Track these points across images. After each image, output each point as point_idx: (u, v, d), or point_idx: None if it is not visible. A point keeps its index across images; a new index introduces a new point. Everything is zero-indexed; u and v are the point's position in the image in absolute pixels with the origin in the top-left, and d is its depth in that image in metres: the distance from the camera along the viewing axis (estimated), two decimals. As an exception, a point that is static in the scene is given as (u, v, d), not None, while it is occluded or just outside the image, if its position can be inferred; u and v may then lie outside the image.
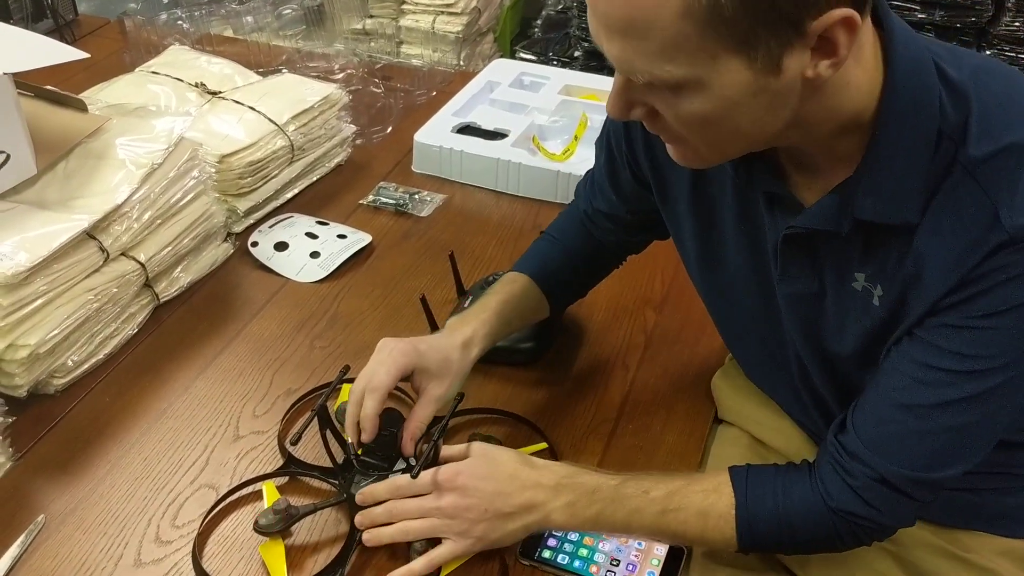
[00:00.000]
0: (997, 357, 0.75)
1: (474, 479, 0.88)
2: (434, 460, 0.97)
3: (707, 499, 0.86)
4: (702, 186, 0.92)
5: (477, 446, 0.93)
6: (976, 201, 0.72)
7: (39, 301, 1.05)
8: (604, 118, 1.53)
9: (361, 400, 0.92)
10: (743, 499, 0.85)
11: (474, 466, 0.90)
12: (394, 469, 0.96)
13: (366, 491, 0.92)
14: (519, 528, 0.89)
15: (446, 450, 0.94)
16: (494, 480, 0.88)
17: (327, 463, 0.99)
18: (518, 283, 1.08)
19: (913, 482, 0.80)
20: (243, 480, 0.99)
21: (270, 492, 0.98)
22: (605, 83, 1.67)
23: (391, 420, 0.95)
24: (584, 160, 1.48)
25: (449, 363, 0.97)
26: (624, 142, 0.99)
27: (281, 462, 1.02)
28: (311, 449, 1.03)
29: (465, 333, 0.99)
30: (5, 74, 1.08)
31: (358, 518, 0.91)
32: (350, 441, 0.95)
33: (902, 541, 0.96)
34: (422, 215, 1.43)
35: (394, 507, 0.91)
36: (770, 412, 1.07)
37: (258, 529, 0.93)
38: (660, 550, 0.93)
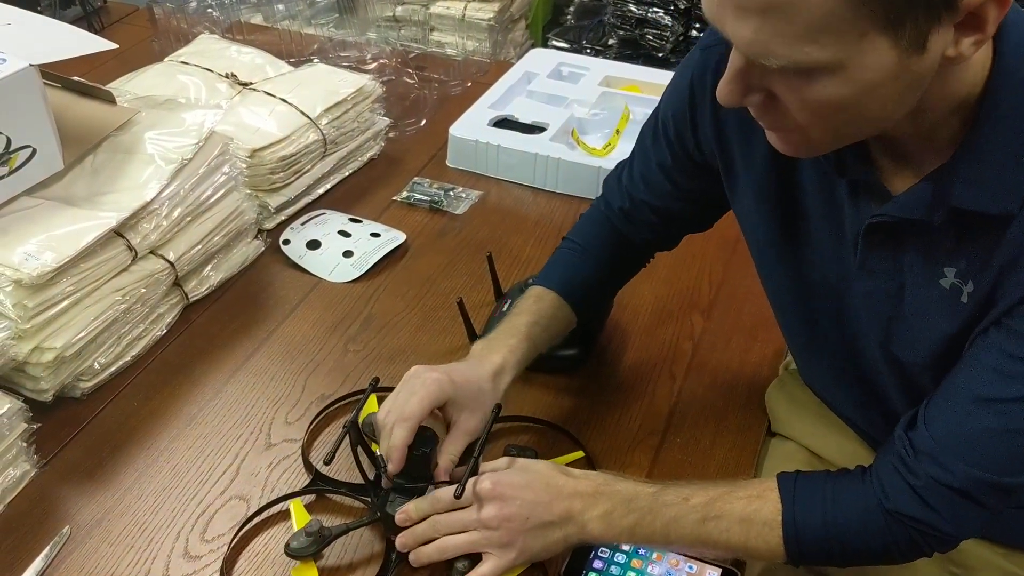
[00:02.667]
0: None
1: (513, 488, 0.85)
2: (473, 474, 0.93)
3: (751, 505, 0.81)
4: (779, 175, 0.86)
5: (511, 460, 0.89)
6: None
7: (65, 302, 1.01)
8: (646, 111, 1.50)
9: (391, 431, 0.88)
10: (790, 504, 0.80)
11: (511, 476, 0.87)
12: (429, 487, 0.91)
13: (407, 508, 0.88)
14: (559, 539, 0.85)
15: (482, 465, 0.90)
16: (532, 489, 0.85)
17: (357, 478, 0.94)
18: (546, 301, 1.03)
19: (985, 486, 0.74)
20: (274, 491, 0.95)
21: (298, 511, 0.94)
22: (647, 74, 1.62)
23: (424, 439, 0.90)
24: (626, 155, 1.42)
25: (481, 395, 0.93)
26: (689, 129, 0.93)
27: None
28: (340, 463, 0.98)
29: (495, 362, 0.95)
30: (32, 65, 1.04)
31: (400, 539, 0.87)
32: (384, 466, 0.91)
33: (964, 561, 0.91)
34: (457, 212, 1.39)
35: (436, 522, 0.87)
36: (829, 425, 1.02)
37: (290, 553, 0.88)
38: (713, 574, 0.88)
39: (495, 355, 0.96)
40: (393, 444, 0.87)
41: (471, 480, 0.86)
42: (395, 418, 0.88)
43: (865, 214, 0.78)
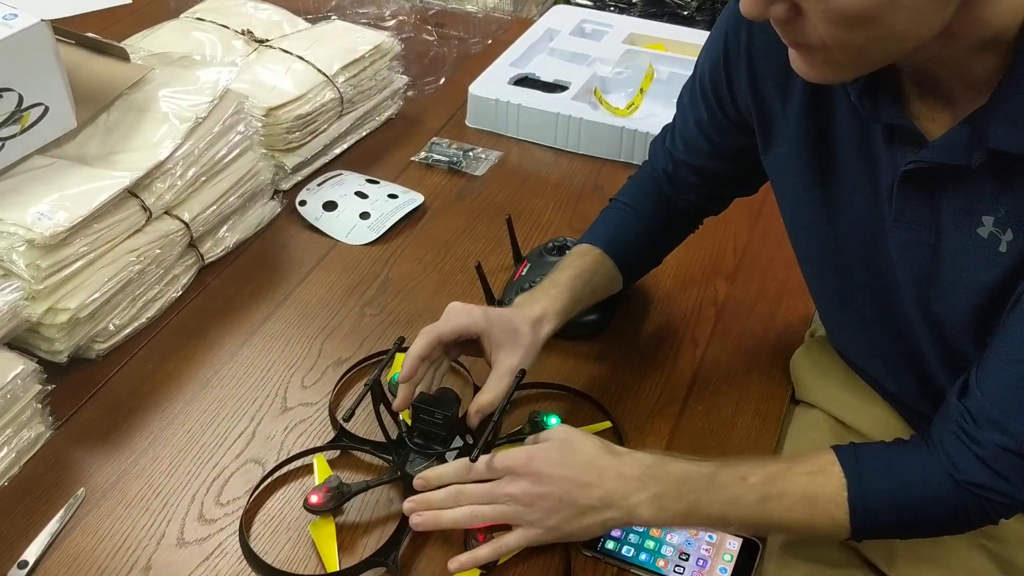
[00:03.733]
0: None
1: (549, 465, 0.81)
2: (493, 440, 0.92)
3: (814, 481, 0.78)
4: (815, 122, 0.83)
5: (555, 430, 0.86)
6: None
7: (79, 263, 1.00)
8: (671, 69, 1.47)
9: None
10: (855, 479, 0.77)
11: (549, 451, 0.83)
12: (450, 448, 0.90)
13: (427, 475, 0.86)
14: (597, 524, 0.81)
15: (506, 453, 0.85)
16: (570, 467, 0.81)
17: (379, 437, 0.93)
18: (589, 256, 1.01)
19: None
20: (291, 454, 0.94)
21: (321, 466, 0.93)
22: (672, 32, 1.58)
23: (446, 401, 0.89)
24: (650, 115, 1.40)
25: (518, 335, 0.90)
26: (724, 83, 0.90)
27: (331, 435, 0.97)
28: (363, 423, 0.98)
29: (535, 310, 0.93)
30: (44, 21, 1.02)
31: (408, 504, 0.85)
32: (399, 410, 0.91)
33: (1001, 537, 0.88)
34: (477, 174, 1.36)
35: (462, 491, 0.84)
36: (856, 392, 0.99)
37: (308, 508, 0.88)
38: (733, 544, 0.86)
39: (536, 304, 0.94)
40: (408, 352, 0.88)
41: (507, 452, 0.84)
42: (423, 334, 0.89)
43: (901, 161, 0.75)
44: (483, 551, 0.82)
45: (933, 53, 0.68)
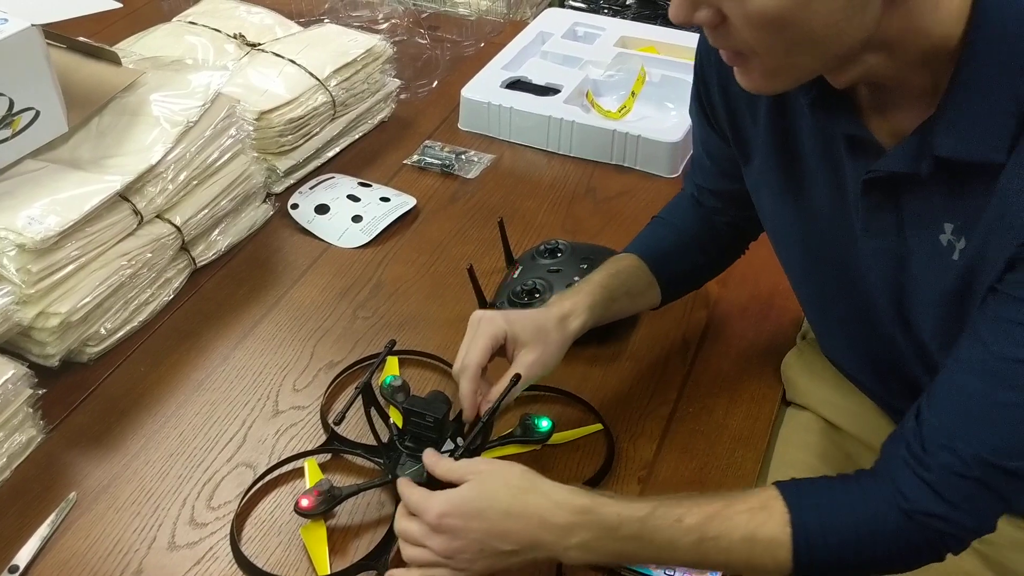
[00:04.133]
0: None
1: (463, 519, 0.76)
2: (483, 442, 0.92)
3: (753, 519, 0.73)
4: (781, 134, 0.84)
5: (473, 469, 0.79)
6: None
7: (71, 267, 1.00)
8: (663, 72, 1.47)
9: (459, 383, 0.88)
10: (798, 514, 0.73)
11: (464, 502, 0.77)
12: (442, 451, 0.90)
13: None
14: (527, 561, 0.77)
15: (446, 468, 0.81)
16: (485, 519, 0.75)
17: (370, 441, 0.93)
18: (625, 261, 1.00)
19: (998, 471, 0.69)
20: (282, 458, 0.94)
21: (312, 470, 0.94)
22: (664, 34, 1.58)
23: (437, 404, 0.89)
24: (642, 118, 1.41)
25: (543, 332, 0.90)
26: (705, 96, 0.91)
27: (322, 439, 0.97)
28: (354, 426, 0.98)
29: (564, 307, 0.92)
30: (34, 25, 1.02)
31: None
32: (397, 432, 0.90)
33: (993, 540, 0.88)
34: (469, 176, 1.36)
35: (399, 526, 0.80)
36: (847, 395, 1.00)
37: (299, 511, 0.88)
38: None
39: (565, 301, 0.93)
40: (461, 395, 0.87)
41: (425, 495, 0.79)
42: (457, 369, 0.88)
43: (862, 171, 0.76)
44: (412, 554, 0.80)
45: (878, 65, 0.69)
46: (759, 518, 0.73)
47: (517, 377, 0.89)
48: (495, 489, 0.77)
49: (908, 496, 0.71)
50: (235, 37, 1.41)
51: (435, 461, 0.82)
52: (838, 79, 0.72)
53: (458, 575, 0.77)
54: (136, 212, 1.06)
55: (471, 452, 0.87)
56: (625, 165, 1.38)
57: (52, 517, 0.89)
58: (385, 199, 1.29)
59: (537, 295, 1.09)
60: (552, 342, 0.90)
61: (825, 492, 0.75)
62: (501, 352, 0.91)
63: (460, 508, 0.76)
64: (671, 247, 1.03)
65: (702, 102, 0.93)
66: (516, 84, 1.48)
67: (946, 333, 0.76)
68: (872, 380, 0.96)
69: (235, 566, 0.85)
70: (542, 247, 1.16)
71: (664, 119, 1.44)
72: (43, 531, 0.87)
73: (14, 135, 1.03)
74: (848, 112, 0.75)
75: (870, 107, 0.75)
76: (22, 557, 0.85)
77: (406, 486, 0.81)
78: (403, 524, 0.80)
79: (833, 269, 0.86)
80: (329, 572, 0.85)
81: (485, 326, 0.88)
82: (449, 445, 0.91)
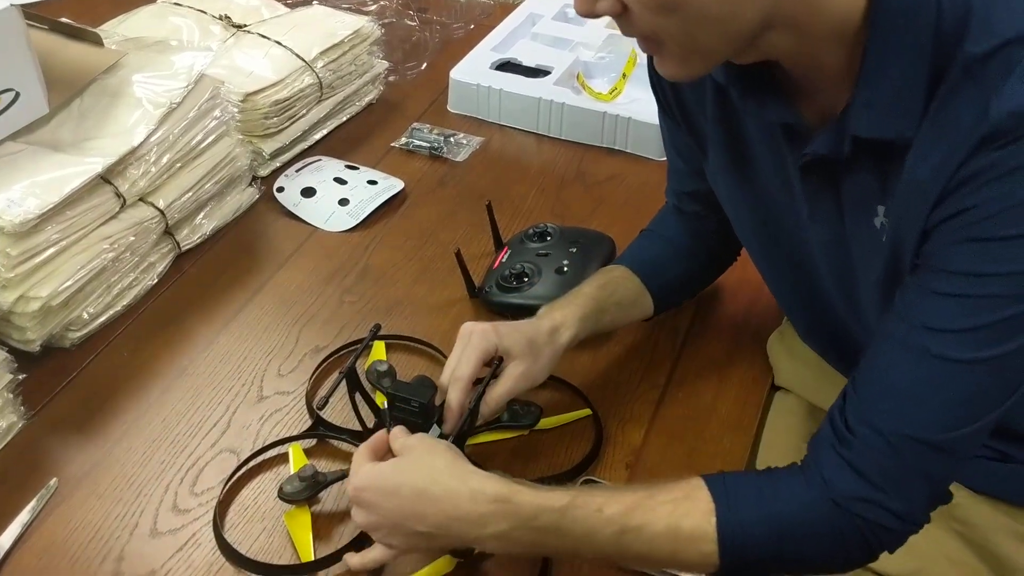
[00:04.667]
0: (1018, 275, 0.63)
1: (378, 495, 0.75)
2: (470, 428, 0.91)
3: (677, 509, 0.70)
4: (727, 127, 0.85)
5: (408, 444, 0.78)
6: (971, 100, 0.63)
7: (51, 250, 0.98)
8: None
9: (447, 393, 0.86)
10: (724, 504, 0.70)
11: (381, 478, 0.76)
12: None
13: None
14: (447, 545, 0.78)
15: (398, 444, 0.79)
16: (399, 497, 0.74)
17: (356, 426, 0.92)
18: (614, 272, 1.00)
19: (923, 447, 0.67)
20: (266, 443, 0.93)
21: (297, 456, 0.92)
22: (655, 17, 1.56)
23: (422, 389, 0.88)
24: (633, 100, 1.39)
25: (534, 345, 0.88)
26: (661, 93, 0.92)
27: (307, 424, 0.96)
28: (339, 412, 0.97)
29: (554, 319, 0.92)
30: (13, 5, 1.00)
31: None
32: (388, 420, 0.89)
33: (975, 522, 0.88)
34: (458, 160, 1.35)
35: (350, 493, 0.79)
36: (826, 375, 0.99)
37: (283, 497, 0.87)
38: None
39: (555, 313, 0.92)
40: (449, 405, 0.85)
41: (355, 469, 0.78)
42: (447, 378, 0.86)
43: (798, 158, 0.76)
44: (353, 560, 0.80)
45: (787, 44, 0.69)
46: (682, 508, 0.71)
47: (500, 360, 0.88)
48: (414, 469, 0.75)
49: (831, 480, 0.69)
50: (221, 18, 1.39)
51: (395, 435, 0.80)
52: (745, 59, 0.72)
53: (385, 547, 0.78)
54: (118, 195, 1.05)
55: (459, 438, 0.86)
56: (616, 148, 1.36)
57: (33, 503, 0.88)
58: (372, 182, 1.27)
59: (526, 279, 1.08)
60: (542, 356, 0.89)
61: (753, 483, 0.72)
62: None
63: (375, 483, 0.75)
64: (660, 257, 1.02)
65: (660, 98, 0.93)
66: (506, 66, 1.47)
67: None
68: (838, 362, 0.96)
69: (218, 553, 0.84)
70: (531, 231, 1.14)
71: (655, 101, 1.42)
72: (23, 517, 0.86)
73: (-7, 116, 1.02)
74: (777, 98, 0.75)
75: (796, 92, 0.75)
76: (2, 543, 0.84)
77: (359, 454, 0.79)
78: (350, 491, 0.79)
79: (787, 256, 0.87)
80: (313, 558, 0.84)
81: (476, 339, 0.86)
82: (435, 430, 0.90)
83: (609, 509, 0.71)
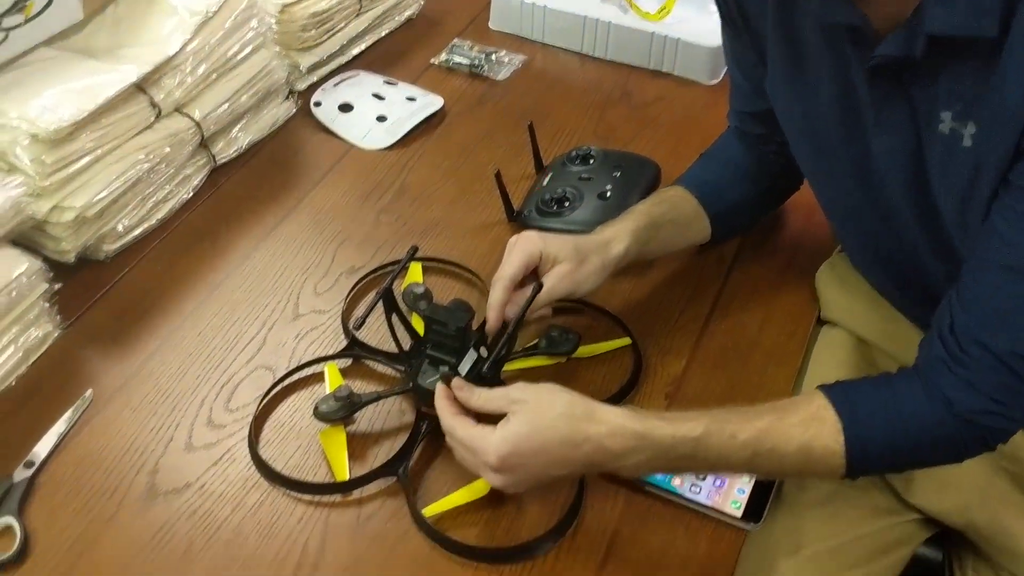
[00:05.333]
0: None
1: (525, 457, 0.74)
2: (507, 355, 0.89)
3: (807, 431, 0.73)
4: (787, 34, 0.82)
5: (516, 398, 0.76)
6: None
7: (85, 159, 0.97)
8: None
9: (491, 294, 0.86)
10: (851, 423, 0.73)
11: (524, 439, 0.74)
12: (463, 361, 0.88)
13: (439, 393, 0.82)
14: (576, 478, 0.81)
15: (482, 399, 0.79)
16: (546, 452, 0.74)
17: (391, 348, 0.91)
18: (671, 191, 0.97)
19: None
20: (302, 362, 0.92)
21: (332, 375, 0.91)
22: (708, -67, 1.49)
23: (459, 312, 0.86)
24: (682, 20, 1.33)
25: (580, 251, 0.87)
26: (722, 2, 0.89)
27: (343, 344, 0.95)
28: (375, 332, 0.95)
29: (605, 233, 0.90)
30: (45, -96, 0.97)
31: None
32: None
33: (1015, 454, 0.86)
34: (499, 78, 1.31)
35: (458, 452, 0.79)
36: (878, 308, 0.96)
37: (318, 416, 0.86)
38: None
39: (607, 228, 0.91)
40: (488, 303, 0.86)
41: (480, 431, 0.76)
42: (493, 279, 0.86)
43: (865, 62, 0.73)
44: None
45: None
46: (812, 430, 0.73)
47: (539, 286, 0.86)
48: (552, 420, 0.74)
49: (955, 399, 0.71)
50: (257, -75, 1.34)
51: (468, 395, 0.79)
52: None
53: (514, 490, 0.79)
54: (153, 105, 1.02)
55: (497, 363, 0.85)
56: (663, 70, 1.32)
57: (68, 414, 0.88)
58: (411, 99, 1.24)
59: (566, 203, 1.05)
60: (589, 263, 0.87)
61: (875, 398, 0.74)
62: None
63: (520, 447, 0.74)
64: (721, 180, 0.99)
65: (722, 6, 0.89)
66: (551, -18, 1.41)
67: (968, 226, 0.74)
68: (895, 289, 0.93)
69: (252, 468, 0.84)
70: (573, 153, 1.11)
71: (705, 22, 1.36)
72: (59, 428, 0.86)
73: (27, 21, 0.99)
74: (845, 1, 0.72)
75: None
76: (38, 453, 0.84)
77: (459, 423, 0.78)
78: (459, 453, 0.78)
79: (848, 171, 0.84)
80: (348, 477, 0.83)
81: (522, 243, 0.87)
82: (471, 355, 0.88)
83: (742, 435, 0.74)
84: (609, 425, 0.74)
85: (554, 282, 0.86)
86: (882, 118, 0.76)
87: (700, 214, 0.97)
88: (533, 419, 0.75)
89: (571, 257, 0.87)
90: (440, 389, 0.81)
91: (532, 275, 0.88)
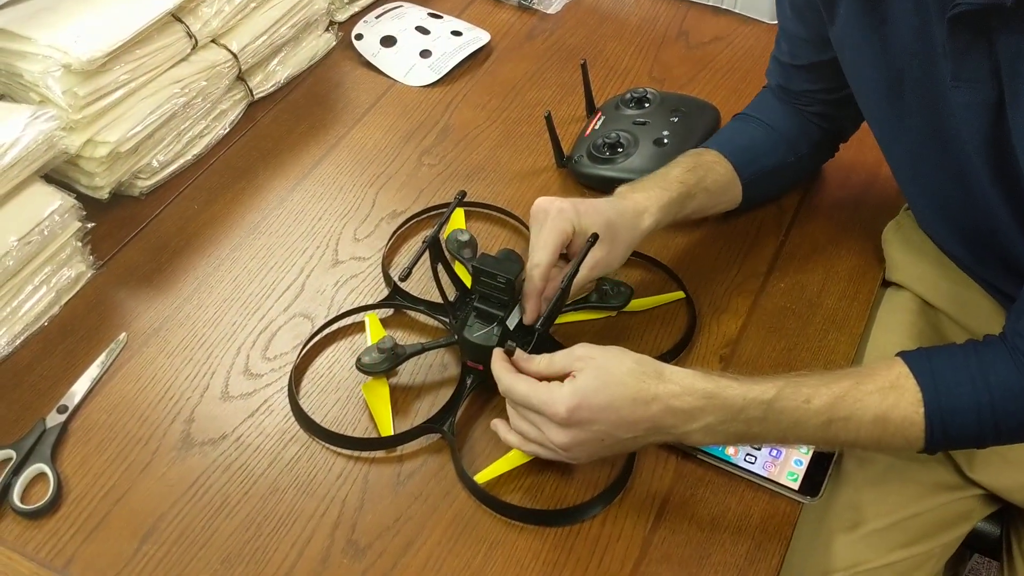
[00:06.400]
0: None
1: (594, 411, 0.71)
2: (558, 311, 0.85)
3: (885, 400, 0.70)
4: None
5: (580, 356, 0.73)
6: None
7: (120, 92, 0.93)
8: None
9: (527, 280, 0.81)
10: (933, 394, 0.69)
11: (594, 392, 0.71)
12: (511, 315, 0.84)
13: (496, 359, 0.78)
14: (642, 445, 0.75)
15: (542, 365, 0.76)
16: (615, 409, 0.71)
17: (435, 298, 0.87)
18: (705, 156, 0.91)
19: None
20: (341, 311, 0.89)
21: (374, 326, 0.88)
22: None
23: (509, 263, 0.82)
24: (745, -45, 1.26)
25: (613, 228, 0.81)
26: None
27: (383, 293, 0.91)
28: (418, 281, 0.91)
29: (638, 201, 0.84)
30: None
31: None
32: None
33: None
34: (549, 12, 1.24)
35: (515, 419, 0.76)
36: (946, 271, 0.91)
37: (361, 368, 0.83)
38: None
39: (638, 194, 0.85)
40: (525, 292, 0.80)
41: (552, 388, 0.73)
42: (529, 267, 0.80)
43: (948, 9, 0.67)
44: (512, 438, 0.77)
45: None
46: (890, 399, 0.70)
47: (594, 238, 0.80)
48: (621, 376, 0.71)
49: None
50: None
51: (527, 363, 0.75)
52: None
53: (568, 460, 0.75)
54: (190, 35, 0.98)
55: (548, 318, 0.81)
56: (723, 7, 1.25)
57: (102, 358, 0.85)
58: (456, 33, 1.18)
59: (620, 149, 1.00)
60: (620, 241, 0.82)
61: (961, 368, 0.71)
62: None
63: (590, 400, 0.71)
64: (756, 143, 0.94)
65: None
66: (605, -90, 1.33)
67: None
68: (965, 252, 0.88)
69: (290, 420, 0.81)
70: (628, 96, 1.05)
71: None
72: (93, 372, 0.84)
73: (57, -58, 0.94)
74: None
75: None
76: (72, 397, 0.82)
77: (522, 380, 0.74)
78: (517, 420, 0.75)
79: (922, 125, 0.78)
80: (392, 432, 0.80)
81: (553, 221, 0.79)
82: (520, 308, 0.84)
83: (817, 400, 0.70)
84: (679, 384, 0.71)
85: (589, 271, 0.81)
86: (961, 71, 0.70)
87: (734, 181, 0.92)
88: (602, 374, 0.71)
89: (603, 236, 0.80)
90: (497, 352, 0.77)
91: (562, 257, 0.82)
